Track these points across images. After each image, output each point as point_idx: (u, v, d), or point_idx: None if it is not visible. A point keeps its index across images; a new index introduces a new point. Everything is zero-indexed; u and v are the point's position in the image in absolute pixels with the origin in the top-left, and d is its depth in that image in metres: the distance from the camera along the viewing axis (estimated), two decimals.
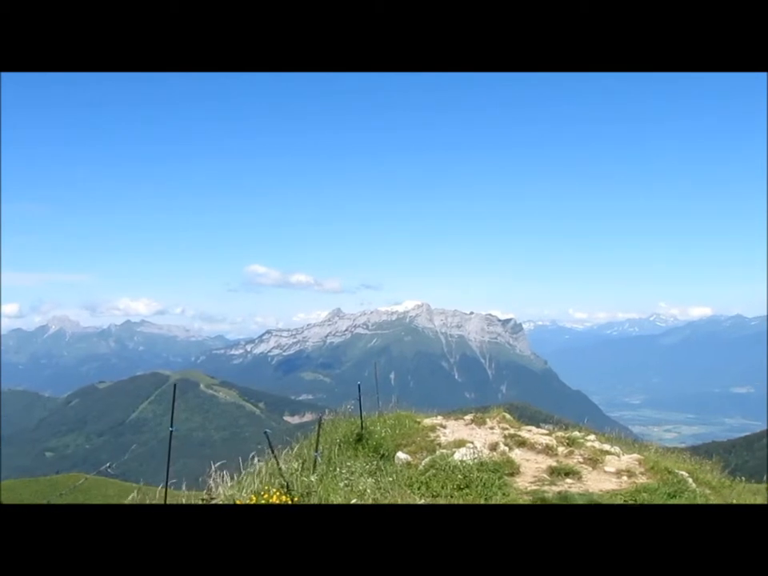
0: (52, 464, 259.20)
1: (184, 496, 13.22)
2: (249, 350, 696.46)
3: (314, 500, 12.57)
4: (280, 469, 13.67)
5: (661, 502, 14.45)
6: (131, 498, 13.37)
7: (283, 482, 12.89)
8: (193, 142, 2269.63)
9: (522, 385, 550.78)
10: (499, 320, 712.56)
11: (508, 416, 22.94)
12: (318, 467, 14.79)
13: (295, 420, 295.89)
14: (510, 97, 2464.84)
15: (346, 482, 13.94)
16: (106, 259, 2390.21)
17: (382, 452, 17.23)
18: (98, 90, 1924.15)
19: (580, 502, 14.18)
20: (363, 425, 18.59)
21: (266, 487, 12.47)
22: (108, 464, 17.83)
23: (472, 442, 18.34)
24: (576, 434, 20.48)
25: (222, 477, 13.47)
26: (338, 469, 14.75)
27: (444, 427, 21.04)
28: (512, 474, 16.43)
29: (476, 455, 17.03)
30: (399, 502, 13.21)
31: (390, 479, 14.82)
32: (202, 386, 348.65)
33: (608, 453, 18.49)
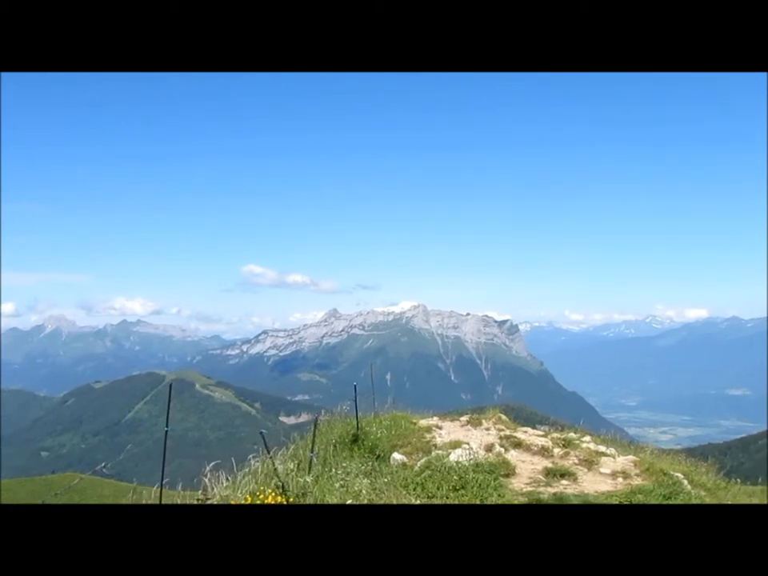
0: (47, 464, 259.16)
1: (179, 496, 13.21)
2: (245, 350, 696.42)
3: (310, 500, 12.55)
4: (275, 469, 13.66)
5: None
6: (127, 501, 13.35)
7: (279, 483, 12.88)
8: (191, 142, 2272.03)
9: (518, 386, 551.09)
10: (495, 321, 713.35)
11: (504, 417, 22.94)
12: (314, 468, 14.77)
13: (291, 420, 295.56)
14: (509, 97, 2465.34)
15: (341, 482, 13.92)
16: (103, 259, 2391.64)
17: (377, 453, 17.22)
18: (98, 89, 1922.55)
19: (575, 503, 14.19)
20: (359, 425, 18.57)
21: (262, 488, 12.45)
22: (103, 464, 17.82)
23: (468, 443, 18.33)
24: (572, 435, 20.48)
25: (218, 477, 13.46)
26: (333, 469, 14.74)
27: (440, 428, 21.03)
28: (507, 476, 16.43)
29: (472, 456, 17.03)
30: (395, 502, 13.21)
31: (386, 480, 14.81)
32: (197, 386, 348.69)
33: (603, 454, 18.50)
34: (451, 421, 22.47)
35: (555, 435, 20.53)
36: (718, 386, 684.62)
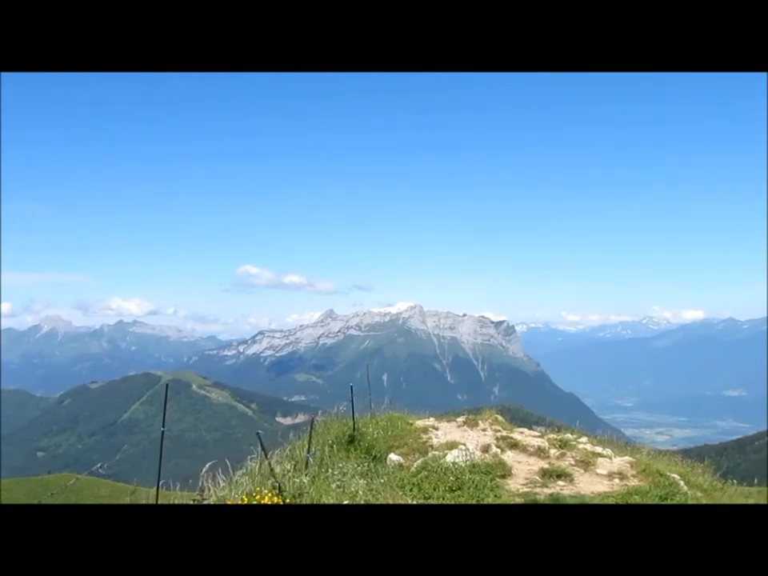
0: (43, 464, 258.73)
1: (176, 496, 13.22)
2: (241, 350, 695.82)
3: (306, 501, 12.56)
4: (272, 470, 13.67)
5: None
6: (124, 501, 13.34)
7: (275, 483, 12.89)
8: (190, 142, 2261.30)
9: (515, 387, 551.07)
10: (492, 322, 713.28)
11: (500, 418, 22.98)
12: (310, 468, 14.78)
13: (287, 421, 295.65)
14: (508, 97, 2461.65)
15: (338, 483, 13.93)
16: (99, 259, 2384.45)
17: (374, 453, 17.23)
18: (98, 89, 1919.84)
19: (571, 503, 14.20)
20: (355, 426, 18.58)
21: (258, 488, 12.46)
22: (100, 464, 17.78)
23: (464, 444, 18.35)
24: (568, 436, 20.51)
25: (214, 477, 13.46)
26: (330, 470, 14.74)
27: (436, 429, 21.05)
28: (504, 476, 16.45)
29: (468, 457, 17.04)
30: (391, 503, 13.21)
31: (382, 481, 14.82)
32: (194, 386, 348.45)
33: (600, 455, 18.52)
34: (448, 422, 22.49)
35: (551, 436, 20.55)
36: (714, 387, 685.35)
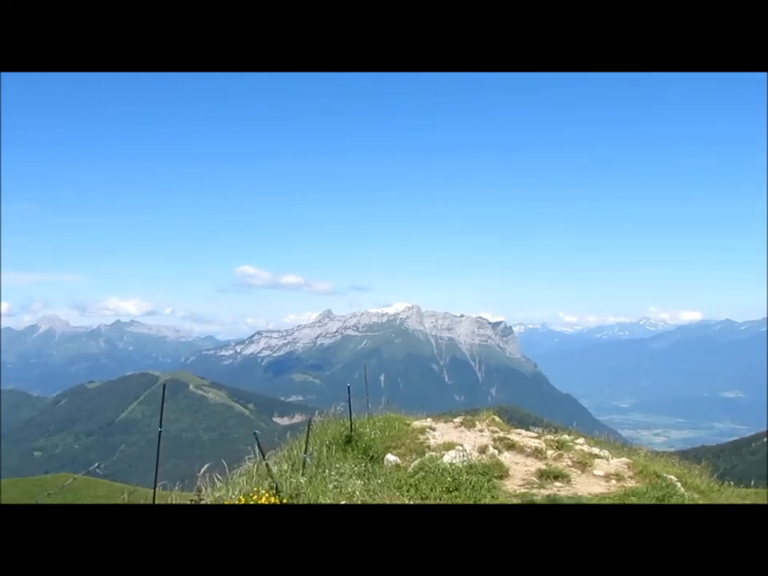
0: (40, 464, 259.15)
1: (173, 497, 13.21)
2: (239, 350, 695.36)
3: (303, 501, 12.56)
4: (269, 470, 13.66)
5: None
6: (122, 501, 13.34)
7: (272, 484, 12.88)
8: (189, 142, 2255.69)
9: (512, 388, 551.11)
10: (489, 323, 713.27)
11: (497, 419, 22.97)
12: (308, 469, 14.77)
13: (285, 421, 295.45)
14: (507, 98, 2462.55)
15: (335, 483, 13.93)
16: (97, 259, 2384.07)
17: (371, 454, 17.22)
18: (98, 90, 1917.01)
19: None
20: (353, 427, 18.58)
21: (256, 488, 12.46)
22: (97, 464, 17.75)
23: (461, 445, 18.36)
24: (565, 437, 20.52)
25: (212, 478, 13.46)
26: (327, 471, 14.74)
27: (433, 430, 21.05)
28: (501, 477, 16.46)
29: (465, 458, 17.05)
30: (388, 503, 13.22)
31: (379, 481, 14.82)
32: (191, 386, 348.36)
33: (597, 456, 18.54)
34: (445, 422, 22.48)
35: (549, 437, 20.56)
36: (711, 389, 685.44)
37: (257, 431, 14.27)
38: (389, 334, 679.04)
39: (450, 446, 18.15)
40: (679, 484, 16.45)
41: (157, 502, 12.37)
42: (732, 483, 18.91)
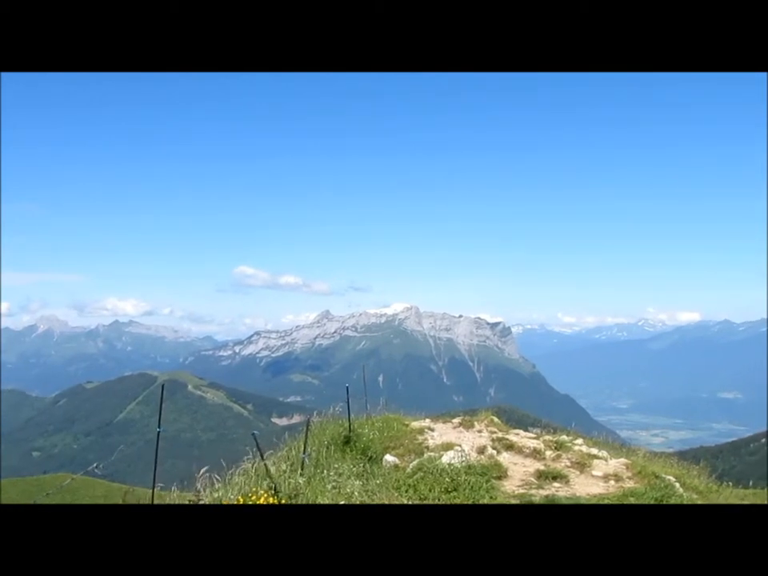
0: (39, 464, 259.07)
1: (172, 497, 13.20)
2: (237, 351, 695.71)
3: (302, 502, 12.56)
4: (268, 470, 13.66)
5: None
6: (120, 502, 13.33)
7: (271, 484, 12.88)
8: (189, 142, 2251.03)
9: (510, 388, 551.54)
10: (488, 323, 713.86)
11: (496, 419, 22.96)
12: (306, 469, 14.77)
13: (283, 422, 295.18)
14: (505, 98, 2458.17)
15: (333, 484, 13.93)
16: (95, 259, 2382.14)
17: (369, 454, 17.21)
18: (98, 89, 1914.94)
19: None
20: (351, 427, 18.57)
21: (254, 489, 12.45)
22: (95, 464, 17.75)
23: (460, 445, 18.35)
24: (564, 437, 20.52)
25: (210, 478, 13.45)
26: (325, 471, 14.73)
27: (432, 430, 21.04)
28: (500, 478, 16.46)
29: (464, 458, 17.05)
30: (387, 503, 13.22)
31: (378, 482, 14.82)
32: (190, 386, 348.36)
33: (596, 457, 18.54)
34: (443, 423, 22.48)
35: (547, 438, 20.56)
36: (709, 390, 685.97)
37: (255, 432, 14.28)
38: (387, 335, 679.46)
39: (448, 447, 18.15)
40: (678, 484, 16.46)
41: (155, 503, 12.37)
42: (730, 484, 18.93)
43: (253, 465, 14.41)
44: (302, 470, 14.63)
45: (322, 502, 12.61)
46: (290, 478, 13.81)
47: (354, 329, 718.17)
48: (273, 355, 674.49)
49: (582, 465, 17.79)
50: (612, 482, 16.69)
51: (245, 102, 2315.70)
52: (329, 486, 13.71)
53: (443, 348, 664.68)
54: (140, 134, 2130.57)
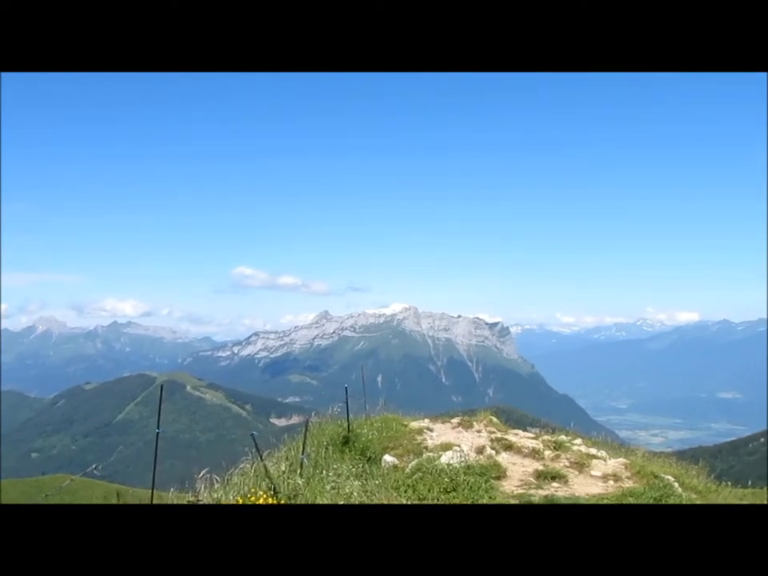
0: (38, 465, 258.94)
1: (170, 498, 13.19)
2: (236, 351, 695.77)
3: (301, 502, 12.55)
4: (267, 471, 13.65)
5: None
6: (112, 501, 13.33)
7: (270, 485, 12.88)
8: (188, 143, 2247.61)
9: (509, 388, 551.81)
10: (486, 323, 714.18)
11: (495, 419, 22.95)
12: (305, 470, 14.76)
13: (282, 422, 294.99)
14: (505, 98, 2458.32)
15: (332, 484, 13.92)
16: (93, 259, 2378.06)
17: (368, 455, 17.20)
18: (98, 89, 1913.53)
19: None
20: (350, 427, 18.56)
21: (253, 489, 12.45)
22: (94, 465, 17.79)
23: (459, 446, 18.34)
24: (563, 437, 20.52)
25: (209, 479, 13.44)
26: (324, 471, 14.72)
27: (431, 430, 21.04)
28: (498, 478, 16.45)
29: (463, 458, 17.04)
30: (386, 503, 13.22)
31: (377, 482, 14.81)
32: (188, 387, 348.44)
33: (594, 457, 18.54)
34: (442, 423, 22.47)
35: (546, 438, 20.55)
36: (708, 389, 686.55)
37: (254, 432, 14.27)
38: (386, 335, 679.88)
39: (447, 447, 18.14)
40: (677, 484, 16.46)
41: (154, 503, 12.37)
42: (729, 483, 18.95)
43: (252, 465, 14.40)
44: (300, 470, 14.62)
45: (320, 503, 12.61)
46: (288, 478, 13.80)
47: (352, 329, 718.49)
48: (271, 356, 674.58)
49: (581, 465, 17.79)
50: (611, 482, 16.70)
51: (245, 102, 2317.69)
52: (328, 487, 13.70)
53: (442, 348, 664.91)
54: (140, 133, 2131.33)
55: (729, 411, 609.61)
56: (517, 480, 16.63)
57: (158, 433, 14.42)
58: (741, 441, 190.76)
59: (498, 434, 20.47)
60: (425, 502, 14.36)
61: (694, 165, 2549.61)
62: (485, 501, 14.63)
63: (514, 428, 23.01)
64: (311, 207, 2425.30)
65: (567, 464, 17.90)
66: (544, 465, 17.72)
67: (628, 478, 17.07)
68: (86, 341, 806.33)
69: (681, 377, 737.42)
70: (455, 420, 22.68)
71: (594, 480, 16.91)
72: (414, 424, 21.71)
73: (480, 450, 18.31)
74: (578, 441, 20.51)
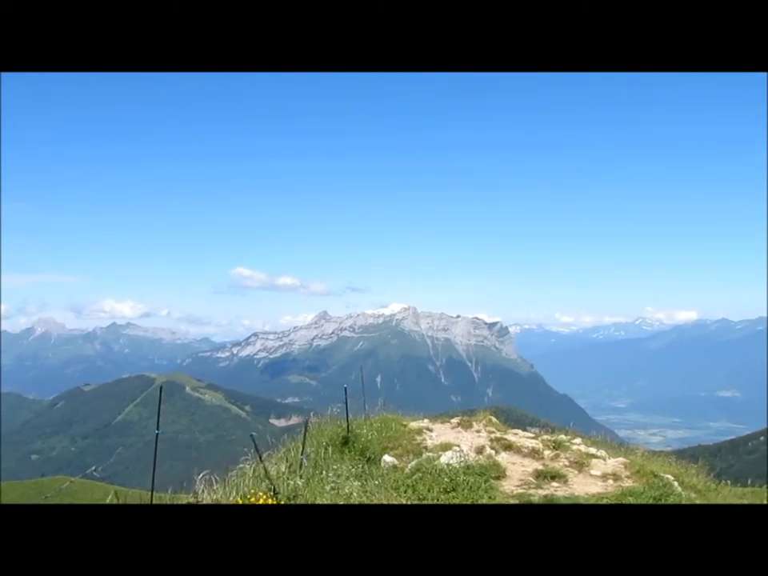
0: (37, 467, 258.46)
1: (170, 499, 13.18)
2: (235, 352, 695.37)
3: (301, 503, 12.55)
4: (266, 472, 13.65)
5: None
6: (109, 501, 13.30)
7: (270, 485, 12.88)
8: (188, 143, 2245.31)
9: (508, 388, 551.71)
10: (486, 323, 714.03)
11: (494, 419, 22.95)
12: (305, 470, 14.76)
13: (281, 423, 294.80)
14: (505, 98, 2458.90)
15: (332, 485, 13.91)
16: (92, 261, 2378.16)
17: (368, 455, 17.19)
18: (98, 89, 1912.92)
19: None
20: (349, 428, 18.56)
21: (253, 490, 12.45)
22: (94, 467, 17.77)
23: (458, 446, 18.34)
24: (562, 437, 20.52)
25: (209, 479, 13.43)
26: (324, 472, 14.71)
27: (430, 430, 21.03)
28: (498, 478, 16.45)
29: (462, 458, 17.04)
30: (385, 503, 13.21)
31: (377, 482, 14.81)
32: (188, 388, 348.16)
33: (594, 456, 18.54)
34: (442, 423, 22.47)
35: (545, 437, 20.56)
36: (707, 388, 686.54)
37: (253, 433, 14.26)
38: (385, 335, 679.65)
39: (446, 447, 18.14)
40: (676, 483, 16.46)
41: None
42: (729, 482, 18.95)
43: (251, 466, 14.40)
44: (300, 471, 14.62)
45: (320, 503, 12.60)
46: (288, 479, 13.80)
47: (351, 329, 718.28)
48: (270, 356, 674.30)
49: (581, 464, 17.79)
50: (610, 482, 16.70)
51: (245, 102, 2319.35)
52: (327, 487, 13.70)
53: (441, 348, 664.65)
54: (139, 133, 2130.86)
55: (728, 410, 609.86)
56: (516, 480, 16.63)
57: (157, 434, 14.40)
58: (740, 439, 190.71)
59: (498, 434, 20.47)
60: (424, 502, 14.35)
61: (694, 165, 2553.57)
62: (484, 501, 14.63)
63: (513, 428, 23.02)
64: (310, 207, 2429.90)
65: (567, 463, 17.90)
66: (543, 464, 17.72)
67: (627, 477, 17.07)
68: (84, 342, 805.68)
69: (680, 376, 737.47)
70: (454, 420, 22.67)
71: (594, 479, 16.91)
72: (414, 424, 21.70)
73: (479, 450, 18.31)
74: (578, 440, 20.51)
